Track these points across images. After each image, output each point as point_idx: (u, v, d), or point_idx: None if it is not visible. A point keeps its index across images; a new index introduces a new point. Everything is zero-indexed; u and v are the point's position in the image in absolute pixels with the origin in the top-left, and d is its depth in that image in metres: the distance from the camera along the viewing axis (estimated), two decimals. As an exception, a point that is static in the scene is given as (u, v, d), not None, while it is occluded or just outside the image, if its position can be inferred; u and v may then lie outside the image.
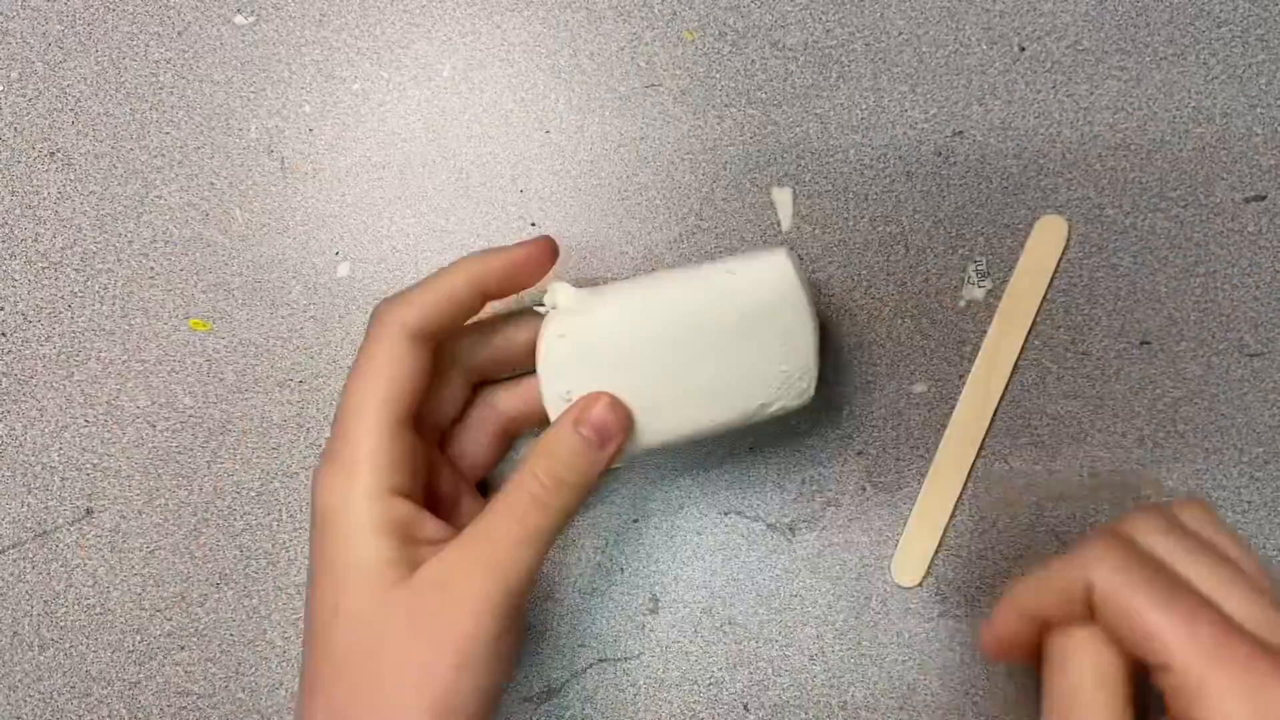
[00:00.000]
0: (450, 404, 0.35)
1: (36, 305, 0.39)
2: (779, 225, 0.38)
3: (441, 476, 0.35)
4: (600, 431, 0.31)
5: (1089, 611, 0.27)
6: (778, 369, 0.32)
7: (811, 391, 0.33)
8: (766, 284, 0.32)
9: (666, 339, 0.31)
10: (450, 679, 0.29)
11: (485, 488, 0.38)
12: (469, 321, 0.34)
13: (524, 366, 0.36)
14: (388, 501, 0.30)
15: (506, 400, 0.36)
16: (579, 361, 0.31)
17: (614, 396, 0.32)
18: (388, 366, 0.31)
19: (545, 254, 0.33)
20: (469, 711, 0.29)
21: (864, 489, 0.38)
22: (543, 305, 0.33)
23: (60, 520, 0.38)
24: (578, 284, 0.32)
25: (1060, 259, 0.38)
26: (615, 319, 0.31)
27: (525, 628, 0.37)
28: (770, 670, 0.37)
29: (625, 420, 0.32)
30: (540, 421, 0.34)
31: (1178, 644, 0.25)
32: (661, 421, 0.32)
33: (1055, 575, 0.28)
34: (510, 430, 0.37)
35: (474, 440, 0.36)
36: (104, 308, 0.39)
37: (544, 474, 0.31)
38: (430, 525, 0.31)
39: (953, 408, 0.38)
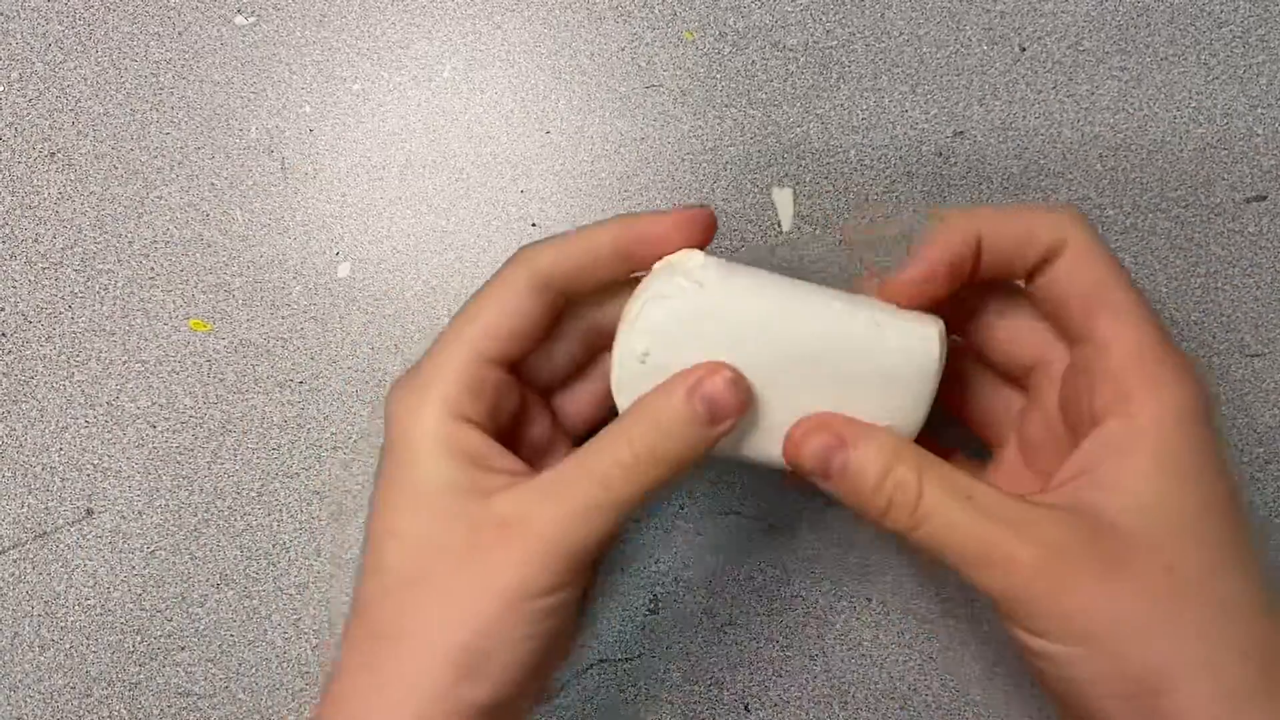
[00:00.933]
0: (565, 360, 0.33)
1: (36, 305, 0.39)
2: (779, 225, 0.38)
3: (535, 423, 0.32)
4: (715, 408, 0.28)
5: (1029, 269, 0.29)
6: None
7: None
8: (905, 350, 0.29)
9: (777, 353, 0.28)
10: (482, 630, 0.27)
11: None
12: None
13: None
14: (459, 426, 0.28)
15: None
16: (673, 330, 0.28)
17: (739, 373, 0.28)
18: (496, 304, 0.29)
19: (699, 225, 0.30)
20: (494, 676, 0.27)
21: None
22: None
23: (60, 520, 0.38)
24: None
25: None
26: (734, 306, 0.28)
27: (587, 618, 0.35)
28: (770, 670, 0.37)
29: (744, 403, 0.28)
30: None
31: (1129, 321, 0.27)
32: (740, 434, 0.30)
33: (1026, 216, 0.29)
34: None
35: (582, 400, 0.34)
36: (104, 308, 0.39)
37: (639, 440, 0.28)
38: (504, 458, 0.29)
39: (953, 408, 0.38)
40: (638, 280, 0.30)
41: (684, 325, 0.28)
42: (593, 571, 0.30)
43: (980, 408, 0.33)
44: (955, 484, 0.27)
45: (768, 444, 0.30)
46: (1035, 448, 0.31)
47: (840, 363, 0.29)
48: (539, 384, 0.33)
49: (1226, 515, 0.26)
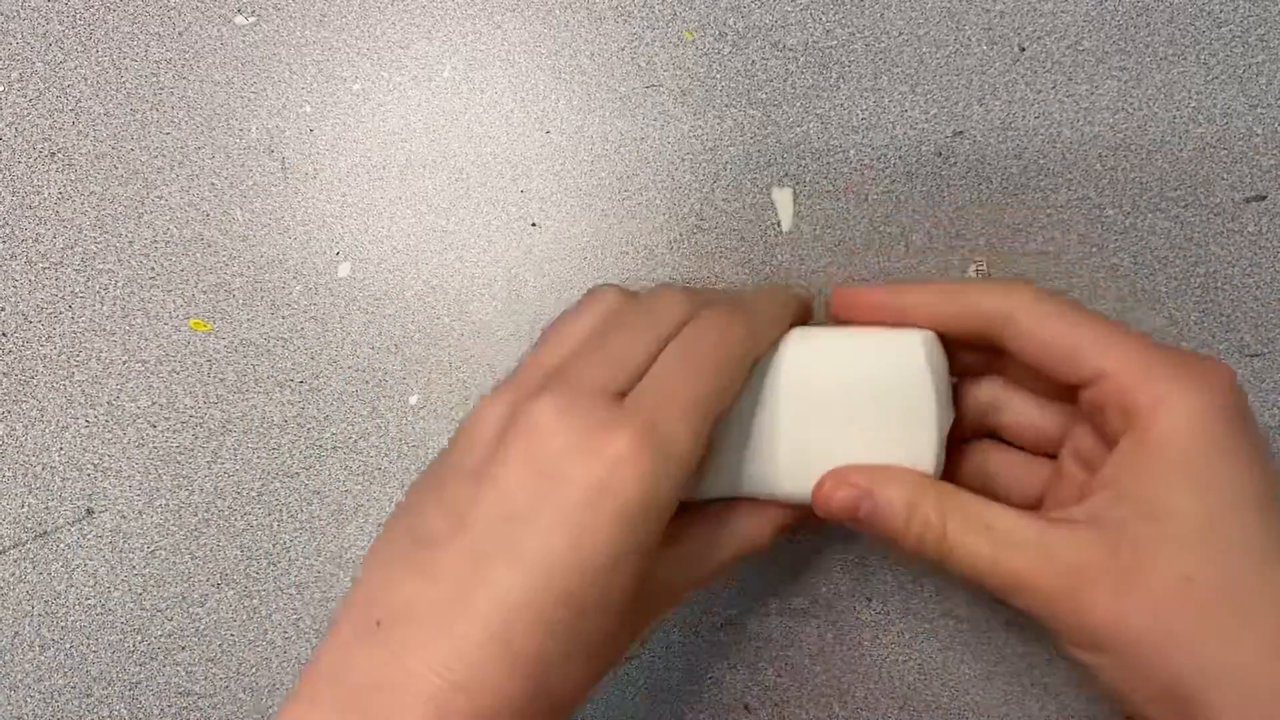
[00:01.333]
0: None
1: (36, 305, 0.39)
2: (779, 225, 0.38)
3: None
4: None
5: (988, 343, 0.30)
6: (893, 451, 0.30)
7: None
8: (892, 362, 0.30)
9: (776, 392, 0.30)
10: (537, 593, 0.25)
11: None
12: None
13: None
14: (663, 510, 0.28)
15: None
16: None
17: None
18: (733, 385, 0.30)
19: None
20: (546, 660, 0.25)
21: (864, 489, 0.38)
22: None
23: (60, 520, 0.38)
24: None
25: None
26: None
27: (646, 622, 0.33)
28: (770, 670, 0.37)
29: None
30: None
31: (1113, 348, 0.28)
32: (755, 474, 0.31)
33: (968, 294, 0.30)
34: None
35: None
36: (104, 308, 0.39)
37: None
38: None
39: (953, 408, 0.38)
40: None
41: None
42: None
43: (1030, 426, 0.33)
44: (975, 516, 0.28)
45: (786, 482, 0.31)
46: (1085, 457, 0.31)
47: (837, 390, 0.30)
48: None
49: (1254, 512, 0.26)
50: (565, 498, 0.25)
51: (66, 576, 0.38)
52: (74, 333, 0.39)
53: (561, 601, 0.25)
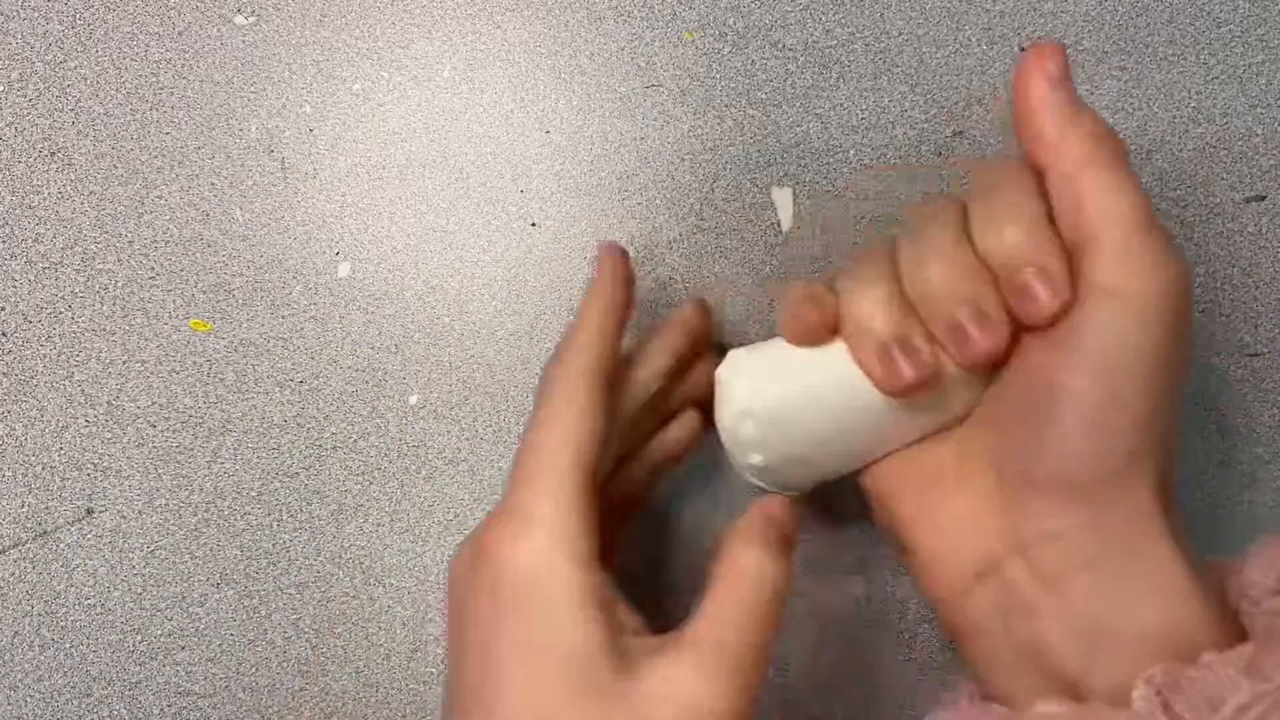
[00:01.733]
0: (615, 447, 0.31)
1: (36, 305, 0.39)
2: (779, 225, 0.38)
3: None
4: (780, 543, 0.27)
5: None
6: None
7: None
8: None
9: (845, 405, 0.29)
10: None
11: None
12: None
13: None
14: (595, 571, 0.26)
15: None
16: (765, 435, 0.29)
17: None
18: (572, 407, 0.28)
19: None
20: None
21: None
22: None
23: (60, 520, 0.38)
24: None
25: None
26: (801, 398, 0.29)
27: None
28: (770, 671, 0.37)
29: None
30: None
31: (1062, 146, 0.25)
32: (836, 459, 0.31)
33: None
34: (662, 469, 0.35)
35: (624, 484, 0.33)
36: (104, 308, 0.39)
37: (749, 594, 0.26)
38: (624, 608, 0.27)
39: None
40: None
41: (770, 429, 0.29)
42: None
43: None
44: None
45: (839, 464, 0.31)
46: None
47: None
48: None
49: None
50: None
51: (66, 576, 0.38)
52: (74, 333, 0.39)
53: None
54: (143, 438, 0.38)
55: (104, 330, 0.39)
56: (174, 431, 0.38)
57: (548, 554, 0.26)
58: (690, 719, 0.24)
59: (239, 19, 0.40)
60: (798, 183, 0.38)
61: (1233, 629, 0.24)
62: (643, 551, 0.38)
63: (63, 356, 0.39)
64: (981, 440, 0.27)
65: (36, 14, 0.40)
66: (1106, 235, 0.24)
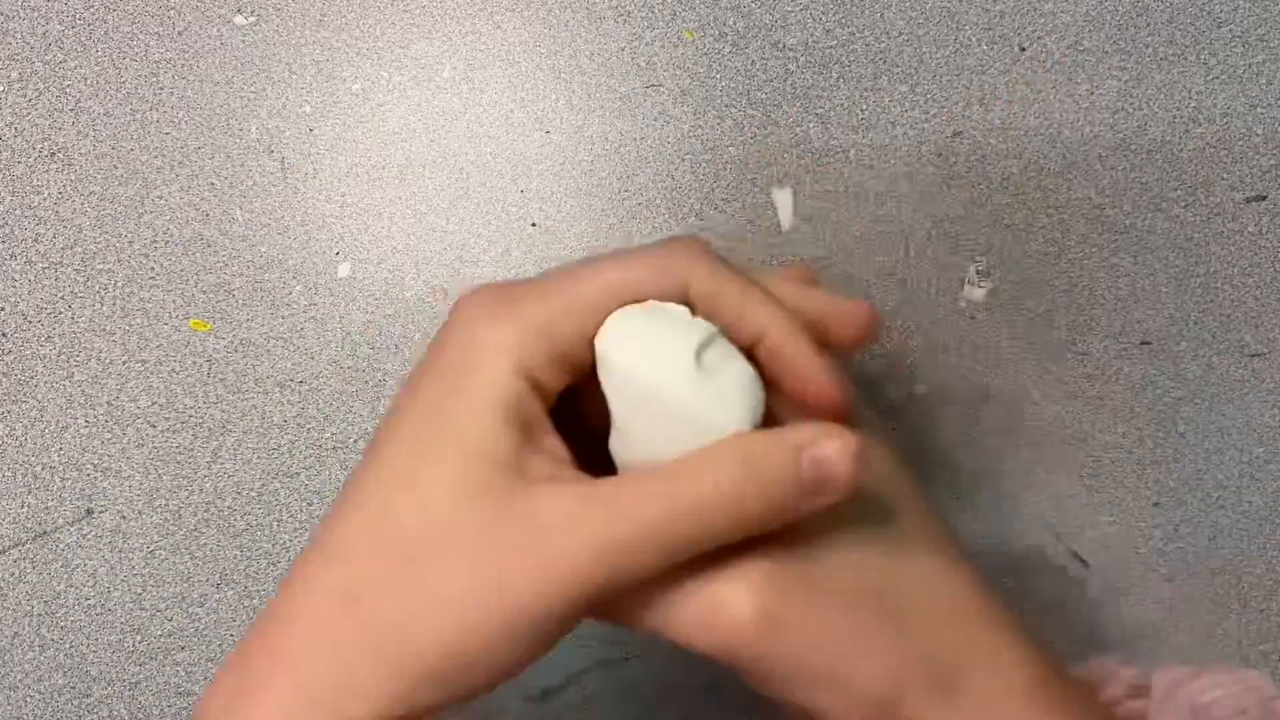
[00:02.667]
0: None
1: (36, 305, 0.39)
2: (779, 225, 0.38)
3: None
4: (823, 478, 0.24)
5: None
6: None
7: None
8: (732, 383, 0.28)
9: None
10: (470, 639, 0.23)
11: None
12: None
13: None
14: (525, 382, 0.25)
15: None
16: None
17: (864, 443, 0.24)
18: (641, 265, 0.27)
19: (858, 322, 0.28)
20: (459, 686, 0.24)
21: (864, 489, 0.38)
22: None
23: (60, 520, 0.38)
24: None
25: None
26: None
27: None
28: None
29: (860, 479, 0.24)
30: None
31: (768, 315, 0.26)
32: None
33: (649, 263, 0.26)
34: None
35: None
36: (104, 308, 0.39)
37: (727, 483, 0.23)
38: (553, 441, 0.25)
39: (953, 408, 0.38)
40: None
41: None
42: None
43: None
44: None
45: None
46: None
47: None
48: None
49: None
50: None
51: (66, 576, 0.38)
52: (74, 333, 0.39)
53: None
54: (143, 438, 0.38)
55: (104, 330, 0.39)
56: (174, 431, 0.38)
57: (502, 352, 0.25)
58: (549, 549, 0.23)
59: (239, 19, 0.40)
60: (798, 183, 0.38)
61: None
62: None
63: (63, 356, 0.39)
64: None
65: (36, 14, 0.40)
66: None
